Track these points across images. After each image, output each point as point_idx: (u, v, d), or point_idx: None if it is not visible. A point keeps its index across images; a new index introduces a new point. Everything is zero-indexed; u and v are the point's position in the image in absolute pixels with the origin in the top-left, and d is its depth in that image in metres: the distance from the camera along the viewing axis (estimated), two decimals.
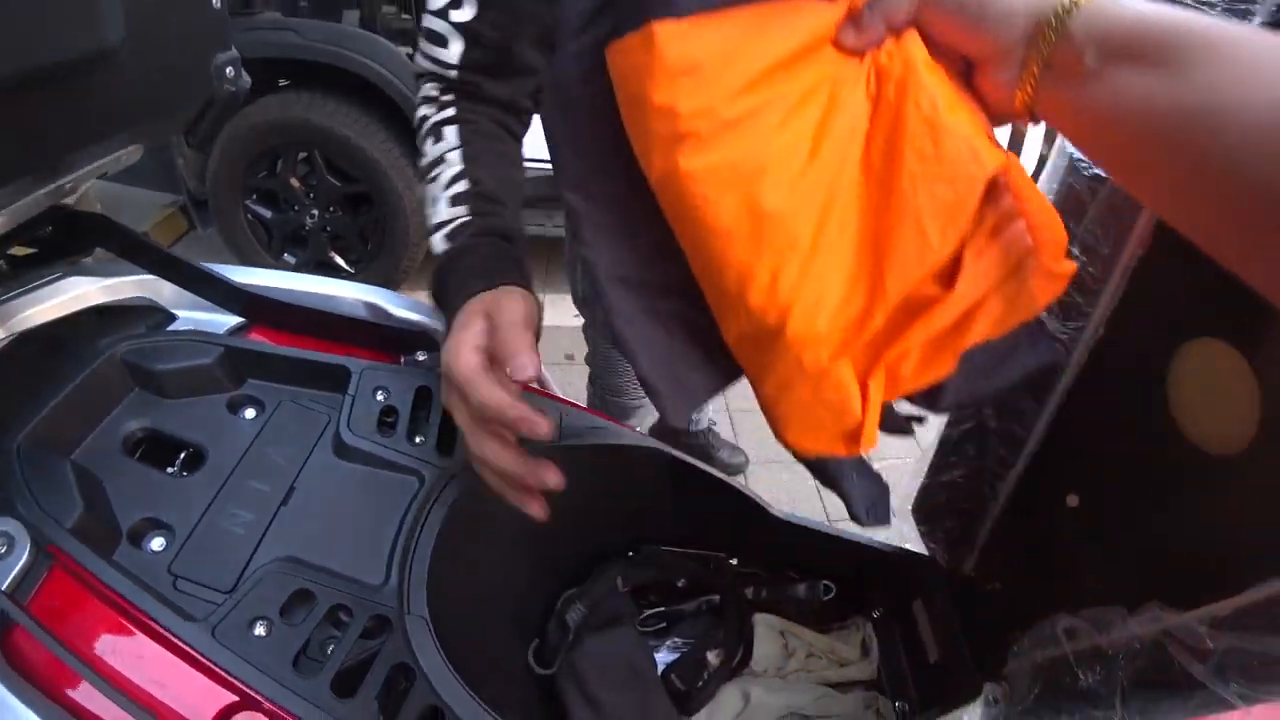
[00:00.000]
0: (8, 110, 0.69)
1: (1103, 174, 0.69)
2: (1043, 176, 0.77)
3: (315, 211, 2.80)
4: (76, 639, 0.62)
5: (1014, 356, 0.58)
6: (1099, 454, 0.78)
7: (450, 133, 0.81)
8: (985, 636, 0.87)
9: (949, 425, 0.95)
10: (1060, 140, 0.74)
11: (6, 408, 0.79)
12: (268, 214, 2.83)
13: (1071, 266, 0.53)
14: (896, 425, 0.65)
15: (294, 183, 2.76)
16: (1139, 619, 0.63)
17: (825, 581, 1.10)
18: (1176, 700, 0.59)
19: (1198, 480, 0.65)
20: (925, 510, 1.01)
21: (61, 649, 0.57)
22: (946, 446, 0.96)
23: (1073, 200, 0.73)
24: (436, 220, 0.77)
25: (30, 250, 0.96)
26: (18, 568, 0.64)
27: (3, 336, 0.83)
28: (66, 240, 0.96)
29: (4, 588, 0.62)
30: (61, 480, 0.69)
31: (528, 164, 2.72)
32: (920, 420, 0.67)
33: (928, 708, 0.94)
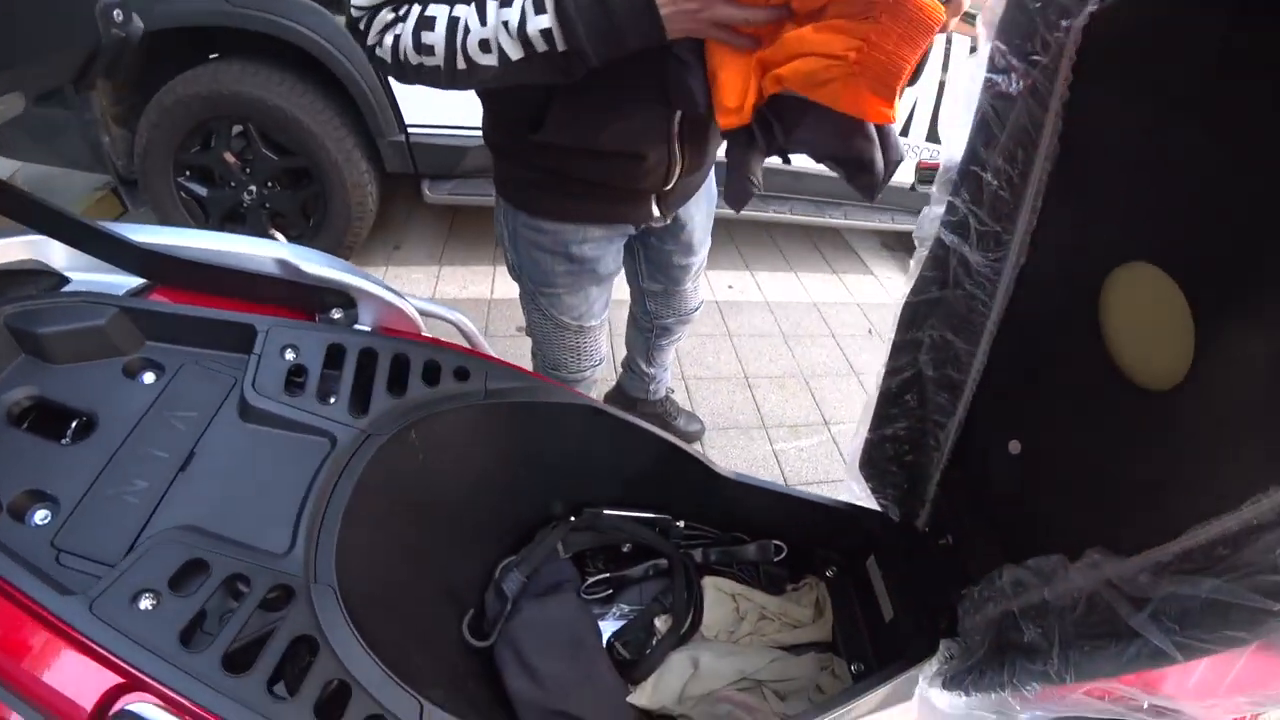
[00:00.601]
0: None
1: (1010, 90, 0.66)
2: (947, 110, 0.74)
3: (253, 187, 2.67)
4: None
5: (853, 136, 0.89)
6: (1036, 396, 0.76)
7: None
8: (939, 592, 0.86)
9: (886, 377, 0.92)
10: (969, 65, 0.71)
11: None
12: (203, 191, 2.69)
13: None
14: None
15: (229, 158, 2.63)
16: (1079, 568, 0.61)
17: (776, 542, 1.08)
18: (1112, 651, 0.57)
19: (1135, 418, 0.62)
20: (872, 465, 0.99)
21: None
22: (887, 398, 0.93)
23: (984, 125, 0.71)
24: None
25: None
26: None
27: None
28: None
29: None
30: None
31: (472, 134, 2.65)
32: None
33: (884, 667, 0.92)
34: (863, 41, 0.75)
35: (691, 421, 2.30)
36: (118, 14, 0.85)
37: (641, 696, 0.96)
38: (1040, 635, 0.65)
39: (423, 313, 0.94)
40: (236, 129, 2.62)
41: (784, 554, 1.08)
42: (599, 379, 1.65)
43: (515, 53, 0.86)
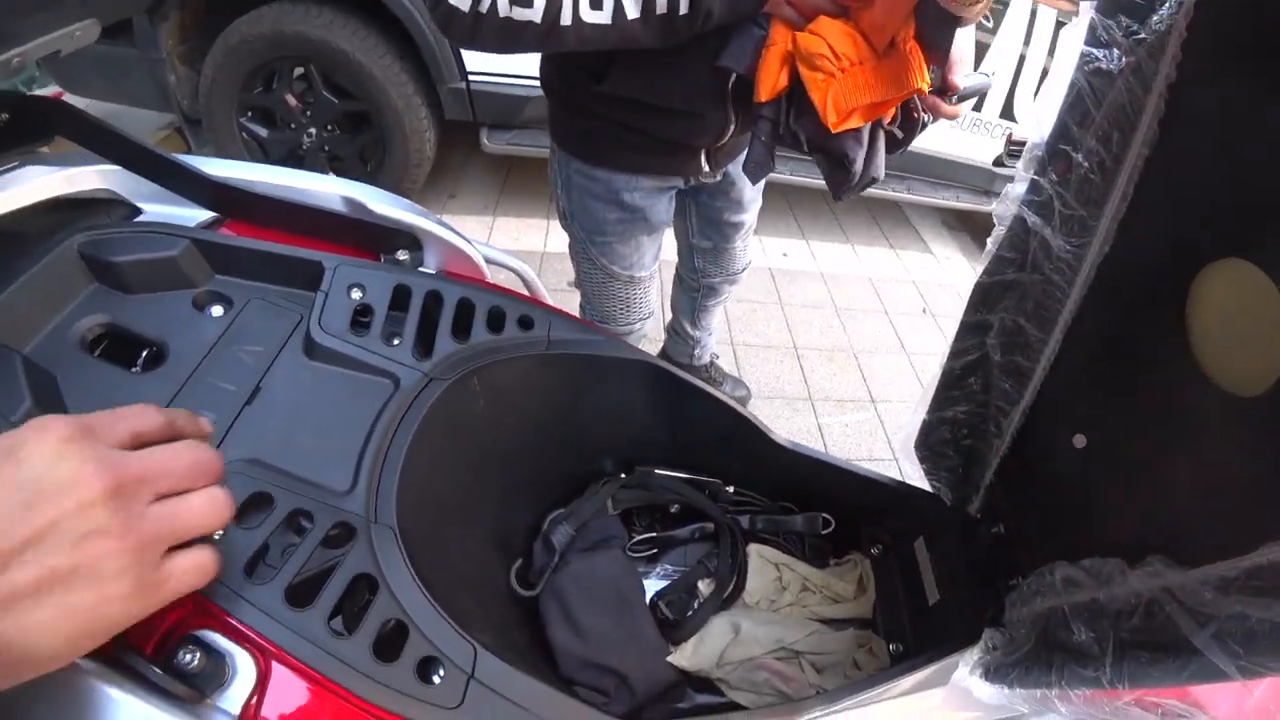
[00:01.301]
0: None
1: (1110, 68, 0.62)
2: (1046, 83, 0.71)
3: (313, 130, 2.69)
4: None
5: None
6: (1108, 391, 0.71)
7: None
8: (987, 581, 0.84)
9: (951, 358, 0.89)
10: (1064, 38, 0.67)
11: None
12: (264, 133, 2.72)
13: None
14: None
15: (290, 100, 2.65)
16: (1139, 574, 0.58)
17: (824, 515, 1.06)
18: (1169, 665, 0.53)
19: (1216, 424, 0.58)
20: (928, 447, 0.96)
21: None
22: (949, 379, 0.90)
23: (1078, 101, 0.66)
24: None
25: None
26: None
27: None
28: (23, 128, 0.90)
29: None
30: (9, 374, 0.65)
31: (532, 84, 2.64)
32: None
33: (923, 650, 0.90)
34: (856, 61, 0.86)
35: (737, 387, 2.28)
36: None
37: (681, 657, 0.96)
38: (1092, 639, 0.62)
39: (487, 260, 0.93)
40: (298, 71, 2.62)
41: (831, 528, 1.07)
42: (647, 334, 1.65)
43: (633, 10, 0.86)
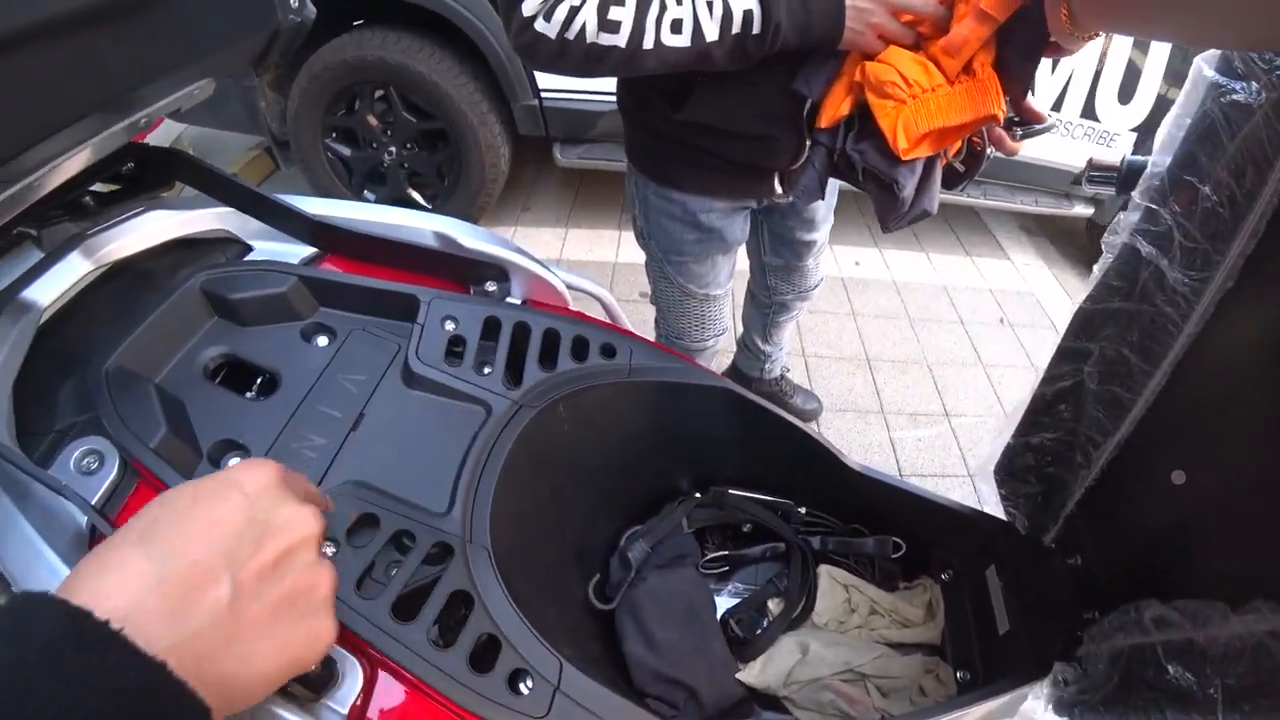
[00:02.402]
0: (75, 46, 0.69)
1: (1248, 100, 0.61)
2: (1172, 113, 0.69)
3: (393, 149, 2.82)
4: None
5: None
6: (1215, 428, 0.69)
7: None
8: (1060, 613, 0.83)
9: (1043, 383, 0.87)
10: (1197, 66, 0.66)
11: (96, 335, 0.82)
12: (347, 152, 2.86)
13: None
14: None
15: (372, 121, 2.78)
16: (1242, 618, 0.56)
17: (895, 538, 1.06)
18: None
19: None
20: (1009, 472, 0.95)
21: None
22: (1039, 405, 0.89)
23: (1209, 132, 0.64)
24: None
25: (114, 187, 0.98)
26: (106, 483, 0.67)
27: (91, 269, 0.86)
28: (147, 176, 0.99)
29: (94, 502, 0.65)
30: (146, 402, 0.72)
31: (605, 99, 2.67)
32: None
33: (992, 680, 0.90)
34: (927, 88, 0.87)
35: (809, 400, 2.28)
36: (294, 0, 0.91)
37: (750, 674, 0.98)
38: (1195, 683, 0.60)
39: (569, 286, 0.97)
40: (378, 93, 2.74)
41: (902, 551, 1.07)
42: (720, 349, 1.66)
43: (711, 33, 0.89)
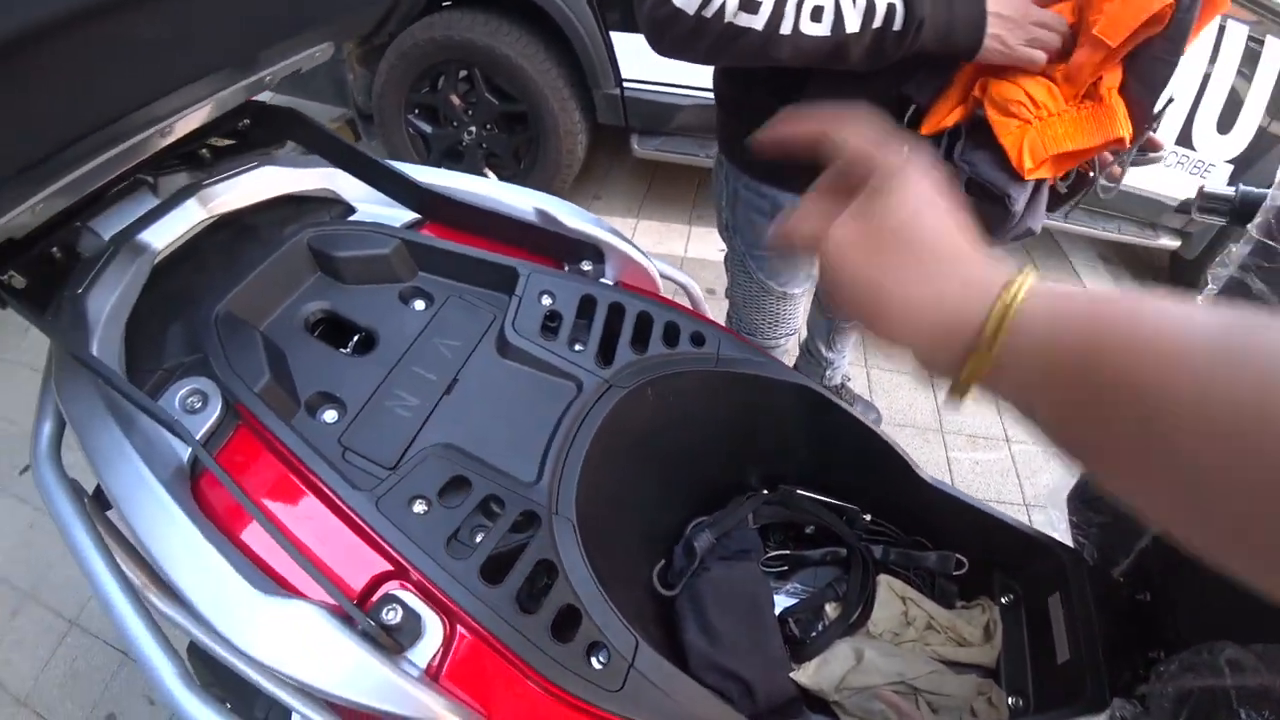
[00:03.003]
0: (209, 7, 0.72)
1: None
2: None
3: (473, 128, 2.87)
4: (255, 491, 0.67)
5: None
6: None
7: None
8: (1124, 648, 0.81)
9: None
10: None
11: (205, 281, 0.85)
12: (428, 129, 2.92)
13: None
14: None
15: (454, 100, 2.83)
16: None
17: (959, 555, 1.05)
18: None
19: None
20: (1082, 500, 0.93)
21: (243, 497, 0.62)
22: None
23: None
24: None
25: (229, 141, 1.02)
26: (209, 422, 0.70)
27: (204, 217, 0.89)
28: (261, 133, 1.02)
29: (197, 437, 0.67)
30: (252, 349, 0.74)
31: (686, 92, 2.68)
32: None
33: (1045, 709, 0.88)
34: (1053, 112, 0.88)
35: (868, 411, 2.25)
36: None
37: (804, 675, 0.98)
38: None
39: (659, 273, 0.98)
40: (462, 73, 2.78)
41: (964, 570, 1.05)
42: (788, 349, 1.65)
43: (853, 24, 0.87)
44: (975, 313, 0.36)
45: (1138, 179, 2.69)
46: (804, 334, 2.10)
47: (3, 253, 0.76)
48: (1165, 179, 2.69)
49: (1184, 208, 2.73)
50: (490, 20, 2.61)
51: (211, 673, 0.77)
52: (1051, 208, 1.01)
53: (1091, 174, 0.97)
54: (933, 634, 1.05)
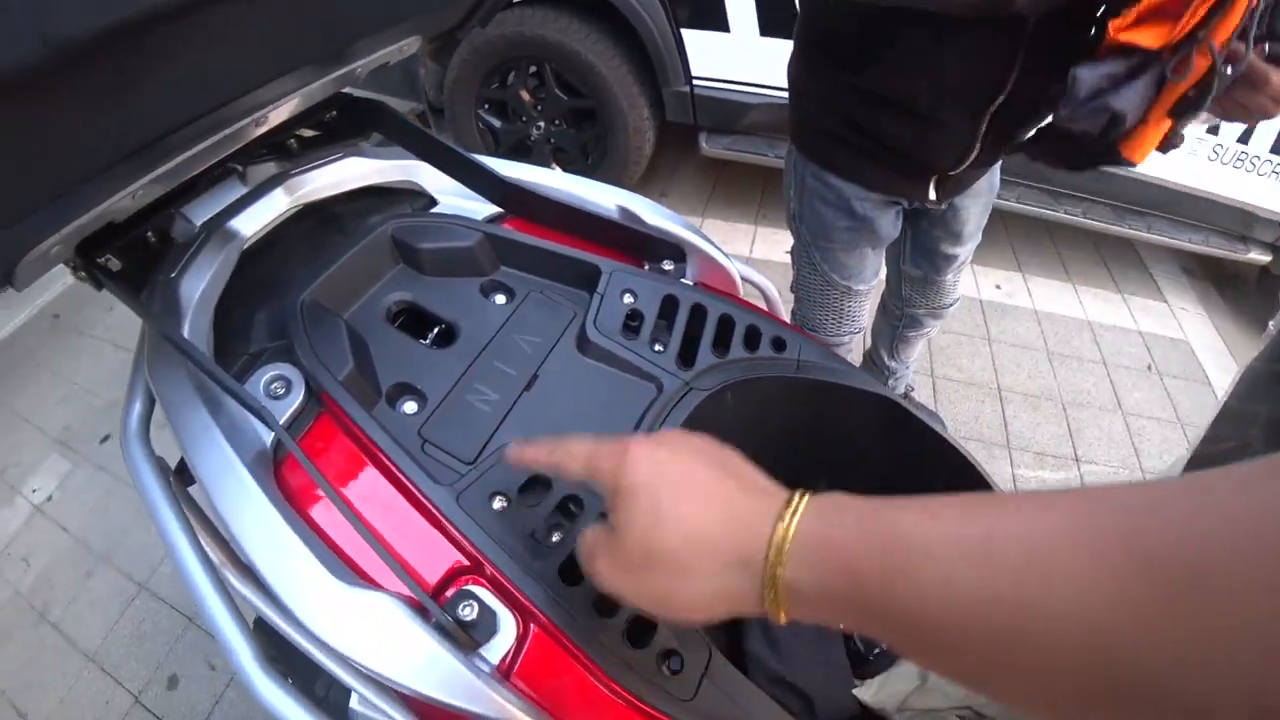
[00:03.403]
0: (311, 1, 0.73)
1: None
2: None
3: (541, 123, 2.89)
4: (334, 479, 0.67)
5: None
6: None
7: None
8: None
9: (1204, 443, 0.81)
10: None
11: (291, 268, 0.86)
12: (497, 123, 2.95)
13: None
14: None
15: (524, 95, 2.85)
16: None
17: None
18: None
19: None
20: None
21: (325, 484, 0.62)
22: (1199, 465, 0.82)
23: None
24: None
25: (315, 132, 1.03)
26: (293, 408, 0.71)
27: (291, 206, 0.90)
28: (347, 124, 1.03)
29: (281, 422, 0.68)
30: (337, 337, 0.75)
31: (757, 91, 2.65)
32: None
33: None
34: None
35: (932, 421, 2.19)
36: None
37: (866, 692, 0.95)
38: None
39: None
40: (532, 69, 2.80)
41: None
42: (852, 349, 1.62)
43: None
44: (750, 587, 0.39)
45: (1230, 188, 2.56)
46: (868, 341, 2.06)
47: (101, 236, 0.78)
48: (1259, 189, 2.55)
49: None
50: (561, 17, 2.62)
51: (275, 647, 0.78)
52: (1181, 114, 0.92)
53: (1212, 68, 0.85)
54: None
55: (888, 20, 0.99)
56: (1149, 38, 0.83)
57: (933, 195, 1.25)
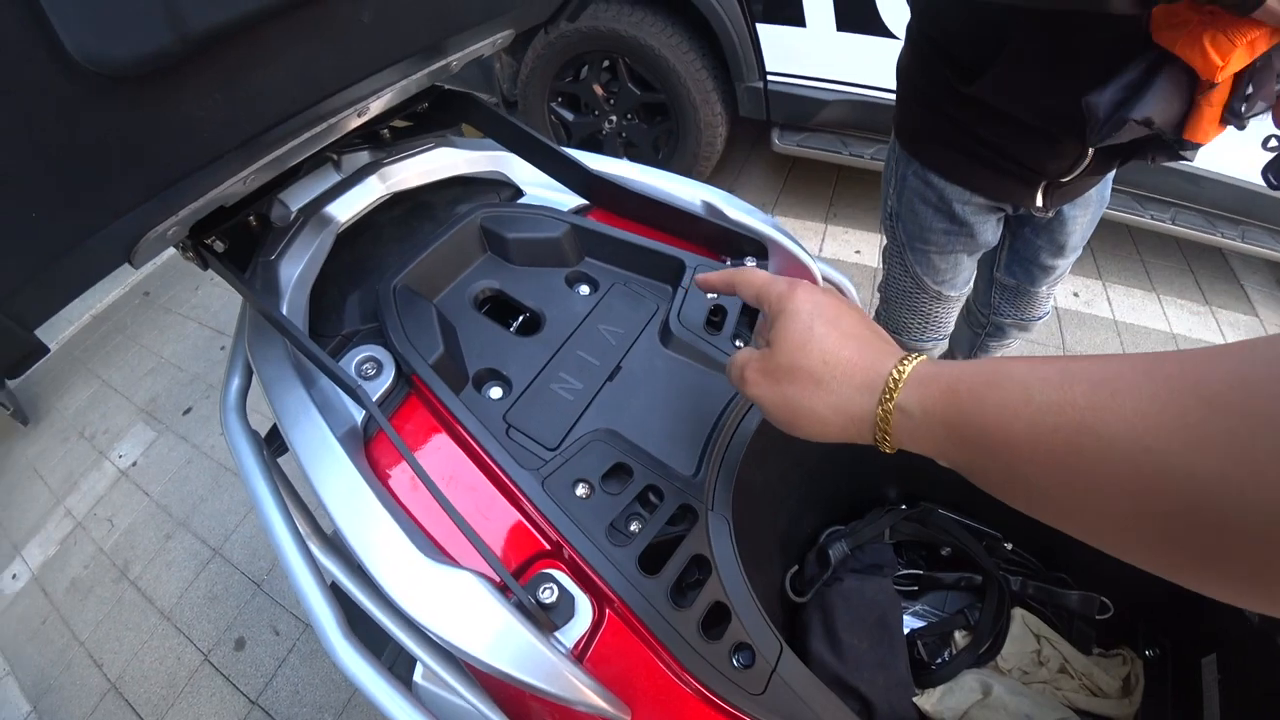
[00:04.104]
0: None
1: None
2: None
3: (614, 117, 2.91)
4: (421, 458, 0.70)
5: None
6: None
7: None
8: None
9: None
10: None
11: (383, 254, 0.89)
12: (570, 117, 2.98)
13: None
14: None
15: (597, 89, 2.87)
16: None
17: (1104, 599, 0.98)
18: None
19: None
20: None
21: (415, 462, 0.64)
22: None
23: None
24: None
25: (407, 123, 1.06)
26: (383, 388, 0.73)
27: (384, 193, 0.93)
28: (439, 115, 1.06)
29: (373, 400, 0.70)
30: (427, 322, 0.78)
31: (832, 87, 2.60)
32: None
33: None
34: None
35: None
36: None
37: (927, 701, 0.94)
38: None
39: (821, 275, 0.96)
40: (605, 63, 2.82)
41: (1109, 614, 0.98)
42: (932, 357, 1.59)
43: None
44: (868, 408, 0.48)
45: None
46: (944, 347, 2.02)
47: (211, 219, 0.82)
48: None
49: None
50: (636, 11, 2.63)
51: (346, 614, 0.82)
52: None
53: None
54: (1065, 678, 0.99)
55: (1003, 22, 0.96)
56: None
57: (1040, 202, 1.19)
